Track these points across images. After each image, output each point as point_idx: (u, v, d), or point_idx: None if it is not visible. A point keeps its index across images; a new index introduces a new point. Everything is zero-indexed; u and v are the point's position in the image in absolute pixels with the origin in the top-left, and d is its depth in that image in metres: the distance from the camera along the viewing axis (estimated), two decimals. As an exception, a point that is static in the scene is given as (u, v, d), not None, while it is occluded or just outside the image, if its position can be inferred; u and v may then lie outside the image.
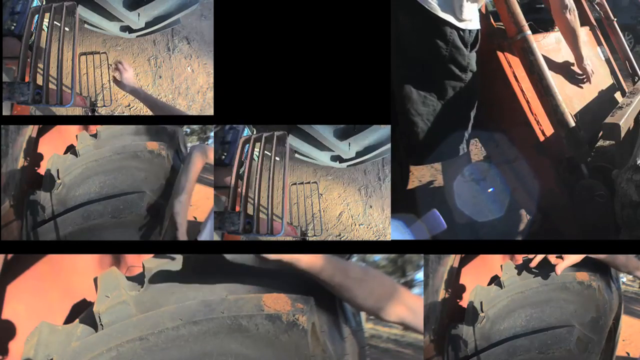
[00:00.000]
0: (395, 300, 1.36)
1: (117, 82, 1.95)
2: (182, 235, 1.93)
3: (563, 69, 2.54)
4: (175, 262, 1.29)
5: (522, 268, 1.76)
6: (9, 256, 1.45)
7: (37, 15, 1.86)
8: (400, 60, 2.17)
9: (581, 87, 2.58)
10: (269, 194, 1.92)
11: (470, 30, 2.19)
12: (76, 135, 1.93)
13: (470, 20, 2.18)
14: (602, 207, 2.14)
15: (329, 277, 1.26)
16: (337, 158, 2.30)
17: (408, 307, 1.39)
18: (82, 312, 1.27)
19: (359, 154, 2.29)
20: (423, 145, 2.25)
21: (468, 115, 2.26)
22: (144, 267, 1.24)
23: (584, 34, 2.75)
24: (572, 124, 2.20)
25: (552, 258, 1.73)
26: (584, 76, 2.60)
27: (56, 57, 1.84)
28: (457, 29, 2.16)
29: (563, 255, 1.72)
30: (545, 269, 1.74)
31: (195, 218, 2.18)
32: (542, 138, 2.26)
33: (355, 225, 2.31)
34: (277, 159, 1.98)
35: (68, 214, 1.82)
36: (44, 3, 1.91)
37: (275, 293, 1.19)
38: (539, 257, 1.74)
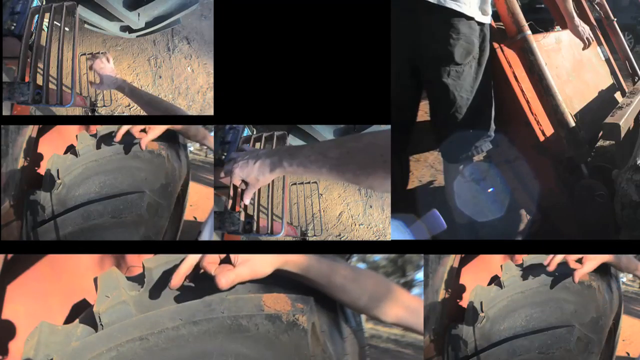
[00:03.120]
0: (391, 300, 1.35)
1: (97, 85, 1.93)
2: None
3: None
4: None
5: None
6: (9, 256, 1.45)
7: (37, 15, 1.86)
8: (433, 64, 2.16)
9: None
10: (269, 194, 1.92)
11: (489, 25, 2.21)
12: (76, 135, 1.93)
13: (490, 14, 2.20)
14: (602, 207, 2.14)
15: (315, 275, 1.25)
16: None
17: (406, 307, 1.38)
18: (82, 312, 1.27)
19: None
20: (459, 143, 2.26)
21: (491, 111, 2.28)
22: (144, 267, 1.24)
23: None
24: (572, 124, 2.20)
25: (571, 262, 1.67)
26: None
27: (56, 57, 1.84)
28: (483, 24, 2.17)
29: (583, 259, 1.67)
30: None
31: (195, 218, 2.18)
32: (542, 138, 2.26)
33: (355, 225, 2.32)
34: None
35: (68, 214, 1.82)
36: (44, 3, 1.91)
37: (275, 293, 1.19)
38: (557, 259, 1.69)
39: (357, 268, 1.35)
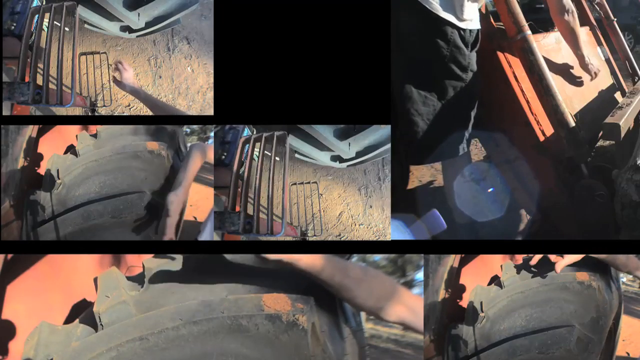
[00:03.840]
0: (395, 300, 1.36)
1: (117, 82, 1.95)
2: (171, 227, 1.89)
3: (564, 72, 2.54)
4: (175, 262, 1.29)
5: (522, 267, 1.76)
6: (9, 256, 1.45)
7: (37, 15, 1.86)
8: (401, 60, 2.16)
9: (582, 85, 2.58)
10: (269, 194, 1.92)
11: (470, 30, 2.19)
12: (76, 135, 1.93)
13: (471, 20, 2.18)
14: (602, 207, 2.14)
15: (328, 277, 1.26)
16: (337, 158, 2.30)
17: (408, 307, 1.39)
18: (82, 312, 1.27)
19: (359, 154, 2.29)
20: (423, 145, 2.24)
21: (468, 115, 2.26)
22: (144, 267, 1.24)
23: (584, 34, 2.75)
24: (572, 124, 2.20)
25: (552, 256, 1.73)
26: (588, 76, 2.60)
27: (56, 57, 1.84)
28: (458, 28, 2.15)
29: (564, 255, 1.72)
30: (545, 267, 1.74)
31: (195, 218, 2.18)
32: (542, 138, 2.26)
33: (355, 225, 2.31)
34: (277, 159, 1.98)
35: (68, 214, 1.82)
36: (44, 3, 1.91)
37: (275, 293, 1.19)
38: (539, 255, 1.75)
39: (365, 268, 1.36)
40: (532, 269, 1.76)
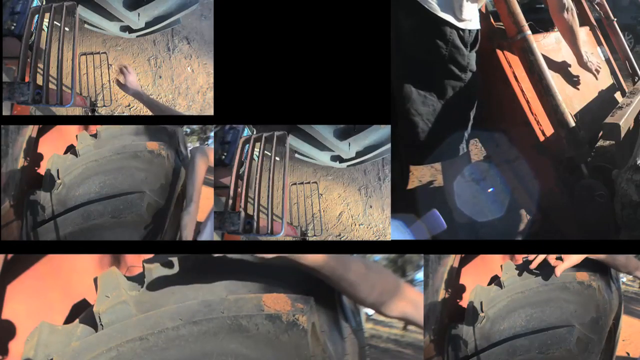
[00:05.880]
0: (397, 295, 1.36)
1: (121, 85, 1.96)
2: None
3: (562, 70, 2.54)
4: (173, 267, 1.28)
5: (522, 269, 1.76)
6: (9, 256, 1.45)
7: (37, 15, 1.86)
8: (400, 60, 2.17)
9: (578, 89, 2.59)
10: (269, 194, 1.92)
11: (470, 30, 2.19)
12: (76, 135, 1.93)
13: (470, 20, 2.18)
14: (602, 207, 2.14)
15: (330, 271, 1.25)
16: (337, 158, 2.30)
17: (410, 301, 1.39)
18: (82, 312, 1.27)
19: (359, 154, 2.29)
20: (423, 145, 2.25)
21: (468, 115, 2.27)
22: (144, 267, 1.24)
23: (583, 34, 2.75)
24: (572, 124, 2.20)
25: (551, 259, 1.73)
26: (590, 75, 2.60)
27: (56, 57, 1.84)
28: (457, 28, 2.16)
29: (563, 257, 1.72)
30: (546, 270, 1.74)
31: (195, 218, 2.18)
32: (542, 138, 2.26)
33: (355, 225, 2.31)
34: (277, 159, 1.98)
35: (68, 214, 1.82)
36: (44, 3, 1.91)
37: (275, 293, 1.19)
38: (539, 258, 1.74)
39: (367, 262, 1.35)
40: (534, 271, 1.75)
